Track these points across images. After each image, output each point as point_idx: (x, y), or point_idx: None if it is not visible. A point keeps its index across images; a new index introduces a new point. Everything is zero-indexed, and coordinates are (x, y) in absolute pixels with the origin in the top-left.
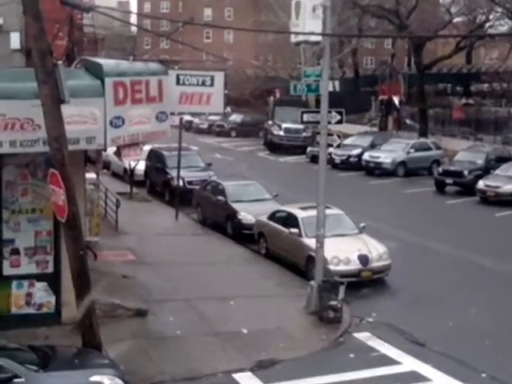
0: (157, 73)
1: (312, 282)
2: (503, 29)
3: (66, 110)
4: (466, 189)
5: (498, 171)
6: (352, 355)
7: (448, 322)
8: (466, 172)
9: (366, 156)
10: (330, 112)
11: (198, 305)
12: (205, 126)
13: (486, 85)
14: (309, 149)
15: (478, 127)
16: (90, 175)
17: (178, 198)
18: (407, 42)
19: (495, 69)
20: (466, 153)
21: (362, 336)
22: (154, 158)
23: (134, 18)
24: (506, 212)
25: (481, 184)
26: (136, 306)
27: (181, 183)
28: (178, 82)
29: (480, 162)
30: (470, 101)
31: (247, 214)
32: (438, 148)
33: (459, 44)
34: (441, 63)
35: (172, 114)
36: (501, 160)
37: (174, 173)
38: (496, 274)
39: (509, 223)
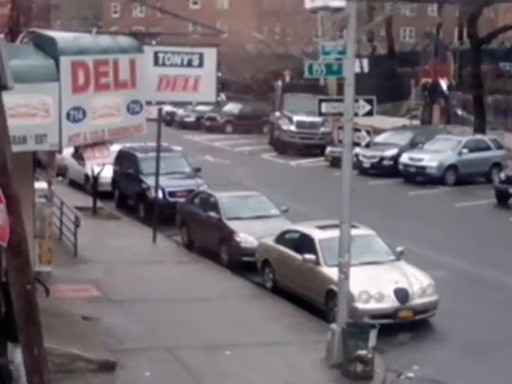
0: (128, 50)
1: (333, 326)
2: None
3: (10, 99)
4: None
5: None
6: None
7: None
8: None
9: (404, 158)
10: (356, 101)
11: (183, 355)
12: (191, 119)
13: None
14: (328, 149)
15: None
16: (41, 185)
17: (157, 214)
18: (458, 8)
19: None
20: None
21: None
22: (125, 161)
23: None
24: None
25: None
26: (101, 358)
27: (160, 195)
28: (156, 62)
29: None
30: None
31: (247, 236)
32: (500, 147)
33: None
34: (503, 35)
35: (148, 103)
36: None
37: (150, 181)
38: None
39: None
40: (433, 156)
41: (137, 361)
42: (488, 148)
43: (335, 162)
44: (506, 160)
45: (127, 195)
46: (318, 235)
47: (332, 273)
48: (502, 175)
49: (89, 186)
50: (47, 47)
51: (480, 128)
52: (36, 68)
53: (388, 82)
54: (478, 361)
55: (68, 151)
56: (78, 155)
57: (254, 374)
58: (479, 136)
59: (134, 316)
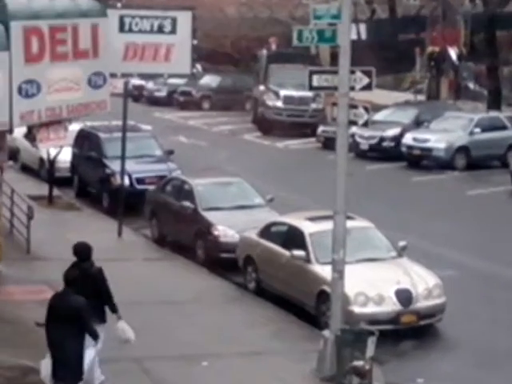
0: (90, 13)
1: (326, 332)
2: None
3: None
4: None
5: None
6: None
7: None
8: None
9: (407, 139)
10: (352, 72)
11: (152, 367)
12: (163, 93)
13: None
14: (321, 128)
15: None
16: None
17: (123, 204)
18: None
19: None
20: None
21: None
22: (86, 143)
23: None
24: None
25: None
26: None
27: (126, 181)
28: (121, 28)
29: None
30: None
31: (227, 229)
32: None
33: None
34: None
35: (113, 76)
36: None
37: (115, 166)
38: None
39: None
40: (440, 136)
41: (105, 373)
42: (504, 127)
43: (328, 144)
44: None
45: (88, 182)
46: (308, 228)
47: (324, 272)
48: None
49: (44, 171)
50: None
51: (495, 104)
52: None
53: (389, 50)
54: (491, 372)
55: (20, 131)
56: (31, 136)
57: None
58: (494, 113)
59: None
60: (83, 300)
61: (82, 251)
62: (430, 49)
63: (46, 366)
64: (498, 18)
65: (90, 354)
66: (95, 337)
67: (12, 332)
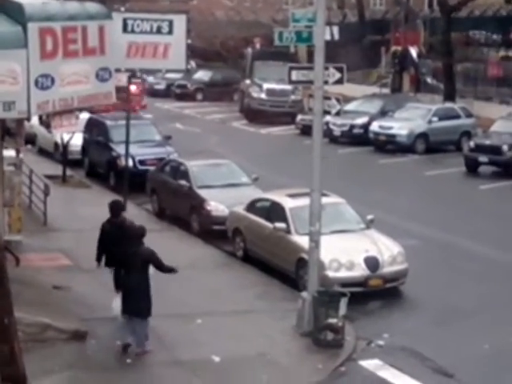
0: (97, 16)
1: (304, 294)
2: None
3: None
4: (506, 169)
5: None
6: None
7: (483, 345)
8: (505, 147)
9: (374, 126)
10: (326, 68)
11: (154, 324)
12: (161, 86)
13: None
14: (299, 117)
15: None
16: (9, 153)
17: (127, 182)
18: None
19: None
20: (505, 122)
21: (371, 364)
22: (95, 129)
23: None
24: None
25: None
26: (72, 327)
27: (130, 163)
28: (125, 29)
29: None
30: (511, 53)
31: (218, 204)
32: (469, 116)
33: None
34: (472, 3)
35: (117, 70)
36: None
37: (120, 149)
38: None
39: None
40: (403, 124)
41: (108, 330)
42: (458, 116)
43: (306, 130)
44: (475, 128)
45: (97, 163)
46: (288, 203)
47: (303, 241)
48: (472, 143)
49: (58, 154)
50: (14, 13)
51: (449, 96)
52: (3, 35)
53: (358, 49)
54: (449, 328)
55: (37, 119)
56: (47, 123)
57: (225, 343)
58: (449, 104)
59: (104, 285)
60: (151, 249)
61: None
62: (393, 48)
63: (116, 305)
64: (452, 22)
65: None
66: (170, 271)
67: (31, 293)
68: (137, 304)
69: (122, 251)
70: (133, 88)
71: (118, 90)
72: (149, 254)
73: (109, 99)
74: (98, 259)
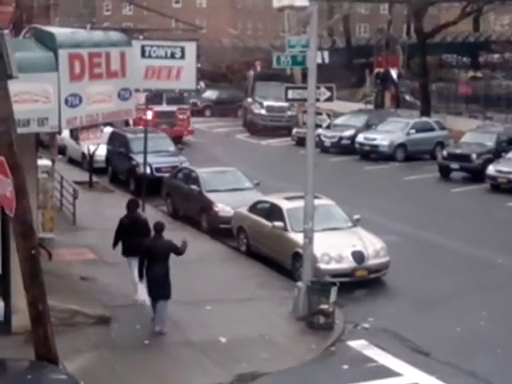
0: (119, 43)
1: (299, 283)
2: None
3: (14, 87)
4: (475, 175)
5: (510, 154)
6: (346, 366)
7: (455, 328)
8: (474, 156)
9: (359, 138)
10: (318, 88)
11: (169, 310)
12: None
13: (496, 55)
14: (294, 130)
15: (487, 104)
16: (43, 162)
17: (145, 187)
18: (406, 7)
19: (507, 37)
20: (474, 133)
21: (358, 344)
22: (117, 141)
23: None
24: None
25: (491, 169)
26: (97, 313)
27: (148, 170)
28: (143, 55)
29: (490, 144)
30: (479, 74)
31: (224, 206)
32: (443, 128)
33: (465, 8)
34: (445, 31)
35: (137, 90)
36: None
37: (139, 158)
38: (509, 272)
39: None
40: (385, 136)
41: (129, 315)
42: (432, 129)
43: (300, 142)
44: (447, 139)
45: (119, 171)
46: (285, 205)
47: (298, 238)
48: (445, 152)
49: (85, 163)
50: (47, 41)
51: (425, 111)
52: (37, 60)
53: (346, 71)
54: (425, 313)
55: (67, 133)
56: (74, 135)
57: (231, 326)
58: (425, 118)
59: (125, 276)
60: (170, 240)
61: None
62: (376, 70)
63: (142, 292)
64: (428, 47)
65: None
66: (185, 248)
67: (62, 284)
68: (162, 289)
69: (137, 242)
70: (180, 113)
71: (165, 115)
72: (170, 246)
73: (129, 115)
74: (115, 245)
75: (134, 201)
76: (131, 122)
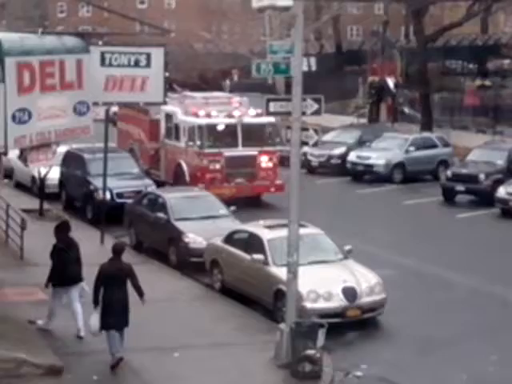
0: (75, 50)
1: (282, 325)
2: None
3: None
4: (483, 198)
5: None
6: None
7: (462, 376)
8: (482, 176)
9: (351, 157)
10: (304, 99)
11: (131, 358)
12: None
13: (506, 61)
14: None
15: (497, 117)
16: None
17: (105, 215)
18: (404, 7)
19: None
20: (482, 151)
21: None
22: (72, 162)
23: None
24: None
25: (501, 192)
26: (48, 362)
27: (108, 196)
28: (102, 63)
29: (500, 162)
30: (487, 82)
31: (196, 237)
32: (446, 145)
33: (472, 8)
34: (448, 33)
35: (95, 104)
36: None
37: (98, 182)
38: None
39: None
40: (380, 154)
41: (84, 364)
42: (434, 146)
43: (283, 161)
44: (452, 157)
45: (75, 197)
46: (266, 235)
47: (281, 272)
48: (449, 173)
49: (35, 187)
50: None
51: (427, 126)
52: None
53: (336, 80)
54: (426, 358)
55: (14, 153)
56: (23, 157)
57: (203, 376)
58: (426, 134)
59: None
60: (130, 264)
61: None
62: (370, 78)
63: (95, 321)
64: (429, 52)
65: (79, 306)
66: (141, 291)
67: (7, 329)
68: (125, 316)
69: (71, 269)
70: (264, 160)
71: (242, 162)
72: (129, 269)
73: (86, 133)
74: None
75: (64, 223)
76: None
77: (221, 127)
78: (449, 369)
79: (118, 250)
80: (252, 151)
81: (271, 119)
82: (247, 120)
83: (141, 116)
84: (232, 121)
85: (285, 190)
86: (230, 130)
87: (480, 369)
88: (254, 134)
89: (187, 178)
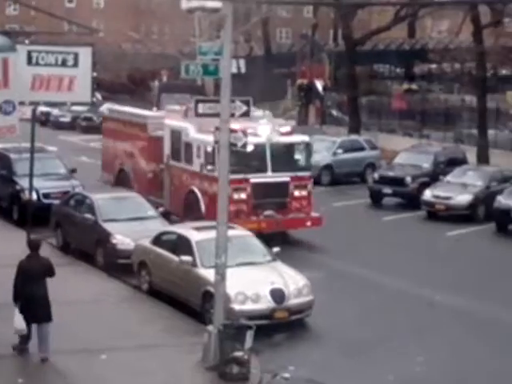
0: (1, 49)
1: (210, 327)
2: None
3: None
4: (409, 200)
5: (449, 177)
6: None
7: (388, 376)
8: (408, 179)
9: None
10: (233, 101)
11: (56, 360)
12: (67, 119)
13: (433, 65)
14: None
15: (424, 120)
16: None
17: (31, 216)
18: (333, 10)
19: (445, 44)
20: (408, 154)
21: None
22: None
23: None
24: (459, 230)
25: (427, 194)
26: None
27: (34, 196)
28: (29, 62)
29: (426, 165)
30: (414, 86)
31: (124, 238)
32: (374, 148)
33: (399, 12)
34: (376, 37)
35: (21, 103)
36: (453, 163)
37: (24, 183)
38: (448, 310)
39: (464, 245)
40: None
41: (8, 367)
42: (362, 148)
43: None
44: (379, 160)
45: (0, 197)
46: (194, 236)
47: (209, 274)
48: (376, 175)
49: None
50: None
51: (354, 129)
52: None
53: (265, 82)
54: (353, 360)
55: None
56: None
57: (130, 379)
58: (353, 136)
59: (4, 320)
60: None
61: None
62: (299, 81)
63: (19, 320)
64: (357, 56)
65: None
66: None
67: None
68: (43, 311)
69: None
70: (297, 187)
71: (272, 190)
72: (48, 264)
73: (12, 132)
74: None
75: None
76: None
77: (250, 148)
78: (376, 370)
79: (34, 246)
80: (284, 177)
81: (305, 138)
82: (278, 139)
83: (135, 131)
84: (260, 140)
85: (322, 224)
86: (257, 150)
87: (407, 369)
88: (286, 156)
89: (203, 208)
